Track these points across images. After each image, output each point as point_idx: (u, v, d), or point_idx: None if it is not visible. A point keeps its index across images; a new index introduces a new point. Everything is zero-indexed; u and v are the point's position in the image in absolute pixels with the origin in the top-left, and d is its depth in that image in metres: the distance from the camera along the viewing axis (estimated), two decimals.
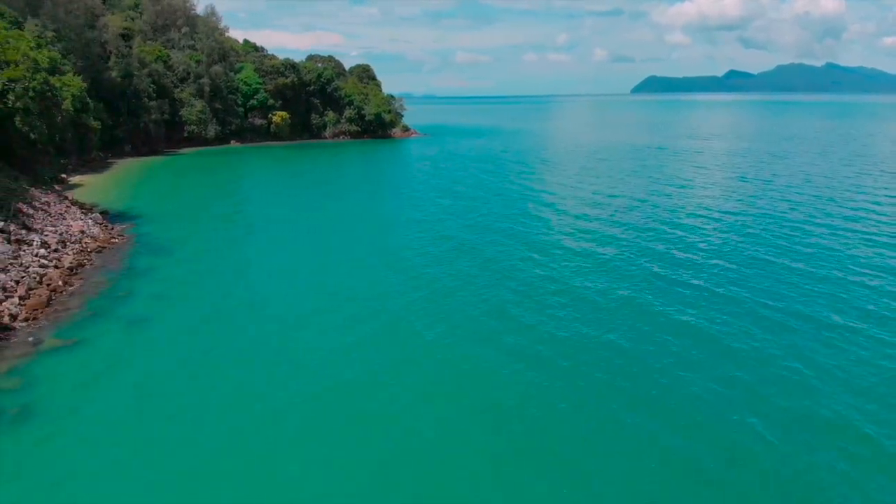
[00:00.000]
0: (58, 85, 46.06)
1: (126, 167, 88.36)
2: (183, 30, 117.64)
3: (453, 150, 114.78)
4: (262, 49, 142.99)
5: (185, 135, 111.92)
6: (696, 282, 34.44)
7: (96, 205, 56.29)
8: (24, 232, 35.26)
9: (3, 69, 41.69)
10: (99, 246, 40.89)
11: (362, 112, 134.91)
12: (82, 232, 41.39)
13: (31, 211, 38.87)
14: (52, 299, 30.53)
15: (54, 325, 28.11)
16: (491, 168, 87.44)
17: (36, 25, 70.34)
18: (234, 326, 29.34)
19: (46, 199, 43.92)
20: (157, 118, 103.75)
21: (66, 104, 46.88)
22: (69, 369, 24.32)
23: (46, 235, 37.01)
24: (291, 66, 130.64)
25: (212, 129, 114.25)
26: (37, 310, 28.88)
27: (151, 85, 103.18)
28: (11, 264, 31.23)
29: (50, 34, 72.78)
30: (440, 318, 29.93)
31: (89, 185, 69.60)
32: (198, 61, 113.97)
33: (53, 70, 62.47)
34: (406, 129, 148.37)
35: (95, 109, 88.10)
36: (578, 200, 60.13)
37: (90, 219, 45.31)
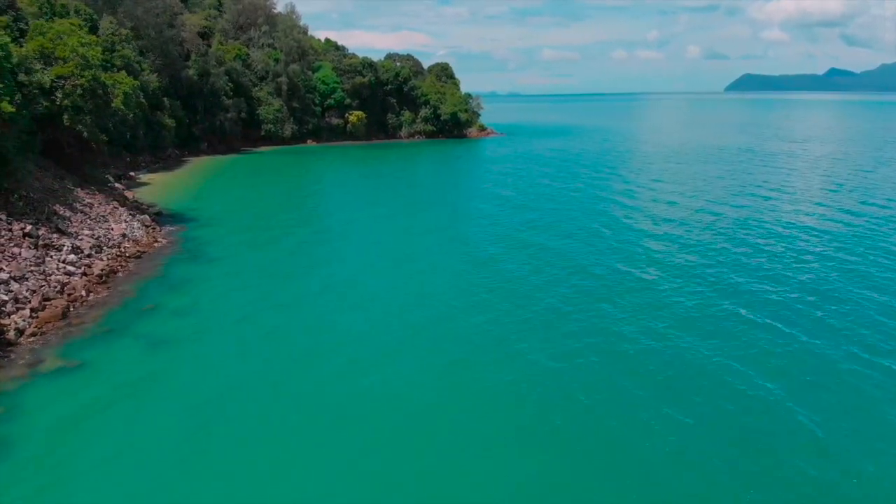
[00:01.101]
0: (109, 83, 45.36)
1: (199, 165, 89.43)
2: (263, 28, 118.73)
3: (526, 152, 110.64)
4: (343, 48, 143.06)
5: (262, 133, 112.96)
6: (771, 322, 29.33)
7: (154, 204, 56.14)
8: (55, 236, 34.35)
9: (52, 66, 41.24)
10: (139, 250, 39.82)
11: (438, 112, 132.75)
12: (123, 235, 40.48)
13: (69, 213, 38.13)
14: (68, 311, 29.19)
15: (61, 343, 26.54)
16: (558, 173, 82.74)
17: (111, 23, 71.28)
18: (263, 352, 26.88)
19: (91, 199, 43.37)
20: (233, 116, 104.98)
21: (117, 102, 46.23)
22: (63, 398, 22.35)
23: (81, 240, 36.08)
24: (369, 64, 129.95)
25: (288, 128, 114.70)
26: (49, 323, 27.57)
27: (229, 83, 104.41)
28: (32, 272, 30.14)
29: (125, 32, 73.68)
30: (461, 336, 27.74)
31: (156, 183, 70.24)
32: (276, 60, 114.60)
33: (128, 67, 63.04)
34: (482, 128, 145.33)
35: (171, 107, 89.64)
36: (645, 213, 54.97)
37: (137, 220, 44.53)
